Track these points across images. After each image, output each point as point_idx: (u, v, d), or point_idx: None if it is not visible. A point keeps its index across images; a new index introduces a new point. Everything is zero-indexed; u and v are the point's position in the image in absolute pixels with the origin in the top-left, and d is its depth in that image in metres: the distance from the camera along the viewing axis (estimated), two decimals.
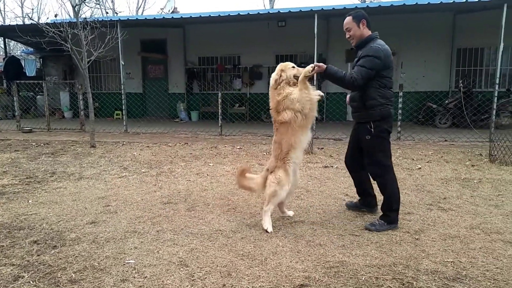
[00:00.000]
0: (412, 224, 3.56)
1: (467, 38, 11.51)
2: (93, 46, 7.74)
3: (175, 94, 14.25)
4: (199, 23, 12.74)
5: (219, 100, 9.81)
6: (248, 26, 12.55)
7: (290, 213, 3.86)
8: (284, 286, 2.47)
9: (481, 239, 3.21)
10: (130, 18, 11.13)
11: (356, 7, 9.89)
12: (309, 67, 3.29)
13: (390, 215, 3.48)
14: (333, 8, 9.39)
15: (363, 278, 2.56)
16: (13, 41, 19.72)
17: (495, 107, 8.64)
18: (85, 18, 8.55)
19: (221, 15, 10.37)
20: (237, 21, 11.91)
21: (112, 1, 28.25)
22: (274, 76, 3.47)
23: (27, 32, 9.14)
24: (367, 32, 3.50)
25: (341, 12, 9.08)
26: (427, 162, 6.36)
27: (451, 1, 9.10)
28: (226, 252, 2.98)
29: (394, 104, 3.66)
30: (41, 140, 8.94)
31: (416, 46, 11.88)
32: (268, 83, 3.74)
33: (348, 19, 3.54)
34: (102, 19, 9.00)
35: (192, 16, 10.89)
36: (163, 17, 12.51)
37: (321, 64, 3.37)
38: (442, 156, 6.77)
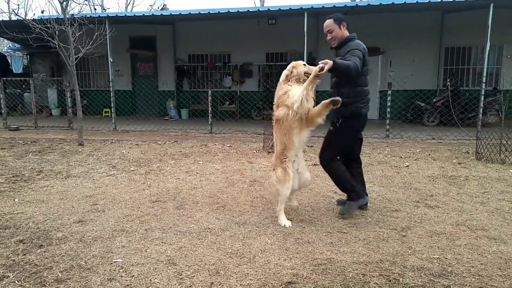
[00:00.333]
0: (399, 221, 3.60)
1: (455, 37, 11.65)
2: (81, 42, 7.65)
3: (164, 91, 14.14)
4: (189, 20, 12.68)
5: (209, 98, 9.77)
6: (239, 23, 12.52)
7: (295, 202, 3.89)
8: (272, 283, 2.48)
9: (466, 235, 3.26)
10: (118, 15, 10.99)
11: (345, 5, 9.92)
12: (317, 67, 3.22)
13: (351, 194, 3.77)
14: (323, 7, 9.42)
15: (350, 275, 2.58)
16: None
17: (482, 105, 8.77)
18: (73, 14, 8.43)
19: (211, 12, 10.33)
20: (227, 19, 11.87)
21: None
22: (285, 72, 3.51)
23: (14, 28, 8.99)
24: (347, 34, 3.70)
25: (331, 11, 9.14)
26: (415, 159, 6.43)
27: (439, 0, 9.20)
28: (215, 250, 2.98)
29: (370, 103, 3.77)
30: (28, 138, 8.81)
31: (405, 44, 11.98)
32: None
33: (330, 21, 3.68)
34: (90, 16, 8.90)
35: (182, 13, 10.83)
36: (152, 13, 12.37)
37: (326, 60, 3.28)
38: (429, 154, 6.85)
